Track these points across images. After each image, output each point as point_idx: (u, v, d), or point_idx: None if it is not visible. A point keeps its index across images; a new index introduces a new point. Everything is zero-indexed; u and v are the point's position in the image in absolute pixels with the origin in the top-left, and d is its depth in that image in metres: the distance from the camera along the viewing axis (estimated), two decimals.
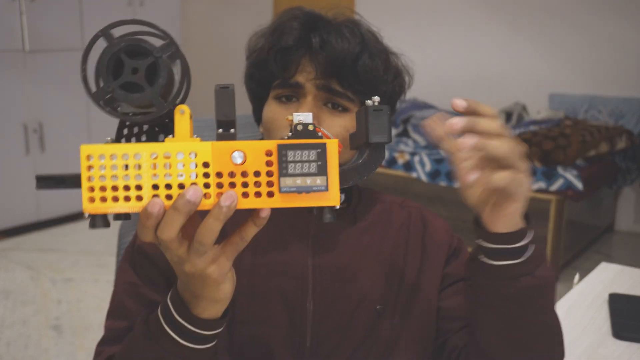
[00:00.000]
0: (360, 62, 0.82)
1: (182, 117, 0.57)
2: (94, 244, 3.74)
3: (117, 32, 0.56)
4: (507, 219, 0.69)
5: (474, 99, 0.65)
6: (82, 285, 3.16)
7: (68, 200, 4.08)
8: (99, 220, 0.56)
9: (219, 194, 0.55)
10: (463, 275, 0.88)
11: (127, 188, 0.55)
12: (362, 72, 0.82)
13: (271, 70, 0.84)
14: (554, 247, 3.25)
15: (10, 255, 3.54)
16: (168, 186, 0.55)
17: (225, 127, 0.58)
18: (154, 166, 0.55)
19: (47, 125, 3.95)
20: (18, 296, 3.02)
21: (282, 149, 0.56)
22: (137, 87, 0.55)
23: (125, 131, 0.61)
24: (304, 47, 0.82)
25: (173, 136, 0.58)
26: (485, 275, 0.73)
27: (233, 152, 0.56)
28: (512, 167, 0.65)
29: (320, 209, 0.60)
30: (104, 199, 0.55)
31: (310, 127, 0.59)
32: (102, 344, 0.84)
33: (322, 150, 0.57)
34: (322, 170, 0.57)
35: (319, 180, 0.56)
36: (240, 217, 0.62)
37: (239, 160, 0.56)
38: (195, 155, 0.56)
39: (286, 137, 0.59)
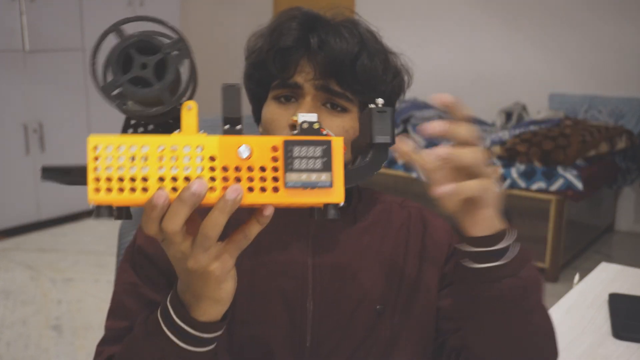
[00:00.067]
0: (358, 62, 0.82)
1: (190, 112, 0.58)
2: (94, 244, 3.74)
3: (120, 30, 0.57)
4: (482, 224, 0.69)
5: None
6: (82, 285, 3.16)
7: (68, 200, 4.08)
8: (104, 211, 0.56)
9: (225, 188, 0.56)
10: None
11: (133, 179, 0.55)
12: (361, 72, 0.82)
13: (270, 70, 0.84)
14: (554, 247, 3.25)
15: (10, 255, 3.54)
16: (174, 179, 0.56)
17: (232, 124, 0.59)
18: (161, 158, 0.55)
19: (47, 125, 3.95)
20: (18, 296, 3.02)
21: (288, 145, 0.57)
22: (146, 83, 0.56)
23: (130, 131, 0.62)
24: (303, 48, 0.82)
25: (180, 131, 0.58)
26: (469, 278, 0.73)
27: (239, 147, 0.56)
28: (479, 175, 0.65)
29: (321, 211, 0.61)
30: (109, 190, 0.55)
31: (316, 126, 0.60)
32: (102, 343, 0.84)
33: (327, 147, 0.58)
34: (327, 167, 0.57)
35: (324, 177, 0.57)
36: (242, 218, 0.62)
37: (245, 155, 0.56)
38: (202, 149, 0.56)
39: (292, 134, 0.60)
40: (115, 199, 0.55)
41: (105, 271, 3.30)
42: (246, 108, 0.92)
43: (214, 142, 0.56)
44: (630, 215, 4.09)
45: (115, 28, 0.57)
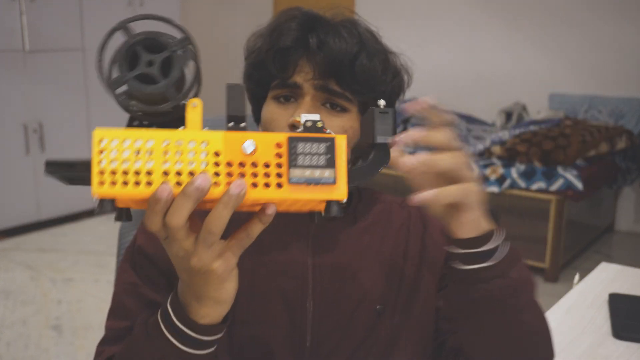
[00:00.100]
0: (358, 62, 0.82)
1: (195, 110, 0.58)
2: (94, 244, 3.74)
3: (128, 28, 0.58)
4: (468, 226, 0.69)
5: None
6: (82, 285, 3.16)
7: (68, 200, 4.08)
8: (107, 205, 0.56)
9: (229, 183, 0.56)
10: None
11: (137, 173, 0.55)
12: (360, 72, 0.82)
13: (269, 70, 0.84)
14: (554, 247, 3.25)
15: (10, 255, 3.54)
16: (178, 173, 0.56)
17: (236, 121, 0.59)
18: (165, 153, 0.56)
19: (47, 125, 3.95)
20: (18, 296, 3.02)
21: (292, 141, 0.57)
22: (151, 80, 0.57)
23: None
24: (302, 48, 0.82)
25: (184, 128, 0.59)
26: (459, 280, 0.73)
27: (244, 142, 0.57)
28: (460, 179, 0.66)
29: (321, 215, 0.61)
30: (113, 183, 0.55)
31: (319, 125, 0.61)
32: (102, 344, 0.84)
33: (331, 144, 0.58)
34: (331, 164, 0.58)
35: (327, 173, 0.58)
36: (242, 218, 0.62)
37: (249, 150, 0.57)
38: (207, 144, 0.56)
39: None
40: (119, 192, 0.55)
41: (105, 271, 3.30)
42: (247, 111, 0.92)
43: (218, 138, 0.57)
44: (630, 215, 4.10)
45: (123, 25, 0.57)
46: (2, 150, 3.78)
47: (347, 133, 0.81)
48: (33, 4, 3.79)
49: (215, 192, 0.56)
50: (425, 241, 0.92)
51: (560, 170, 3.21)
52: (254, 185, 0.57)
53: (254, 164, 0.57)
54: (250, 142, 0.57)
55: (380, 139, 0.65)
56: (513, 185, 3.29)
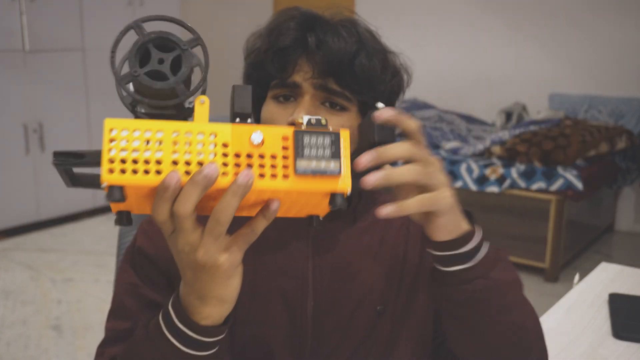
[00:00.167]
0: (357, 61, 0.81)
1: (202, 106, 0.60)
2: (94, 244, 3.74)
3: (141, 27, 0.61)
4: (443, 229, 0.70)
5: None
6: (82, 285, 3.16)
7: (68, 200, 4.08)
8: (116, 192, 0.56)
9: (237, 174, 0.57)
10: None
11: (147, 162, 0.56)
12: (359, 71, 0.82)
13: (268, 70, 0.83)
14: (554, 247, 3.25)
15: (10, 255, 3.54)
16: (187, 163, 0.57)
17: (242, 118, 0.61)
18: (175, 144, 0.57)
19: (47, 125, 3.95)
20: (18, 296, 3.02)
21: (298, 134, 0.59)
22: (162, 77, 0.59)
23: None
24: (301, 47, 0.82)
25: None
26: (441, 282, 0.74)
27: (253, 133, 0.58)
28: (428, 188, 0.66)
29: (320, 219, 0.63)
30: (123, 171, 0.56)
31: (323, 122, 0.62)
32: (103, 345, 0.84)
33: (335, 138, 0.60)
34: (336, 156, 0.60)
35: (332, 164, 0.59)
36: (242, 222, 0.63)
37: (258, 140, 0.58)
38: (215, 136, 0.58)
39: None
40: (129, 180, 0.56)
41: (105, 271, 3.30)
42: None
43: (226, 130, 0.58)
44: (630, 215, 4.10)
45: (136, 24, 0.60)
46: (2, 150, 3.78)
47: None
48: (33, 4, 3.79)
49: (224, 182, 0.57)
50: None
51: (560, 170, 3.21)
52: (261, 175, 0.58)
53: (261, 156, 0.58)
54: (258, 133, 0.58)
55: (380, 139, 0.66)
56: (513, 185, 3.29)
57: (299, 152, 0.59)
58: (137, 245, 0.88)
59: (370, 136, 0.66)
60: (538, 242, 3.27)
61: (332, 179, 0.60)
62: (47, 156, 3.94)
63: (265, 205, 0.61)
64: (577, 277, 1.45)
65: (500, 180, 3.30)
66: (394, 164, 0.67)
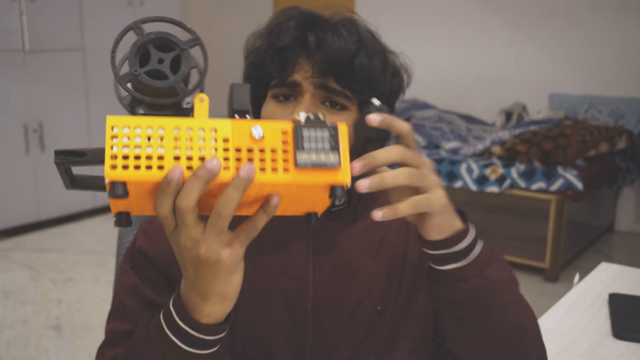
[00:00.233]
0: (357, 61, 0.82)
1: (202, 104, 0.61)
2: (94, 244, 3.74)
3: (140, 28, 0.62)
4: (438, 229, 0.71)
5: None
6: (82, 285, 3.16)
7: (68, 200, 4.08)
8: (119, 188, 0.56)
9: (238, 168, 0.58)
10: None
11: (149, 158, 0.57)
12: (359, 71, 0.82)
13: (268, 70, 0.83)
14: (554, 247, 3.25)
15: (10, 255, 3.54)
16: (189, 158, 0.58)
17: (240, 114, 0.62)
18: (176, 139, 0.58)
19: (47, 125, 3.95)
20: (18, 296, 3.02)
21: (297, 128, 0.61)
22: (162, 76, 0.60)
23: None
24: (301, 47, 0.82)
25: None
26: (438, 282, 0.74)
27: (253, 127, 0.59)
28: (420, 190, 0.67)
29: (317, 217, 0.64)
30: (125, 167, 0.56)
31: (321, 117, 0.63)
32: (103, 346, 0.84)
33: (334, 131, 0.61)
34: (335, 148, 0.61)
35: (332, 157, 0.60)
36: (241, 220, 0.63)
37: (259, 133, 0.59)
38: (216, 132, 0.59)
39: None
40: (131, 175, 0.56)
41: (105, 271, 3.30)
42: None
43: (227, 125, 0.59)
44: (630, 215, 4.10)
45: (136, 25, 0.61)
46: (2, 150, 3.78)
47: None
48: (33, 4, 3.79)
49: (225, 176, 0.58)
50: None
51: (560, 170, 3.21)
52: (262, 169, 0.59)
53: (262, 150, 0.59)
54: (258, 128, 0.59)
55: (377, 135, 0.67)
56: (513, 185, 3.29)
57: (298, 145, 0.60)
58: (137, 245, 0.88)
59: (367, 132, 0.67)
60: (538, 242, 3.27)
61: (332, 172, 0.60)
62: (47, 156, 3.94)
63: (266, 201, 0.62)
64: (577, 277, 1.45)
65: (500, 180, 3.30)
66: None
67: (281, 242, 0.87)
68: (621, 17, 3.95)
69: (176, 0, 4.68)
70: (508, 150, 3.35)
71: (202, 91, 0.62)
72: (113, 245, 1.27)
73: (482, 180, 3.34)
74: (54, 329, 2.71)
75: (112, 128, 0.57)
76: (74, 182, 0.63)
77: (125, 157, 0.56)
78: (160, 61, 0.60)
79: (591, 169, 3.33)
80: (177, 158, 0.57)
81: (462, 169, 3.39)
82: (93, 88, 4.14)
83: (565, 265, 3.43)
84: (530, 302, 0.80)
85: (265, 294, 0.85)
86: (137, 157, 0.57)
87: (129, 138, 0.57)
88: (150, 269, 0.85)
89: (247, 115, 0.62)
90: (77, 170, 0.63)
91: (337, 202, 0.62)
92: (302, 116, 0.62)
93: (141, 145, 0.57)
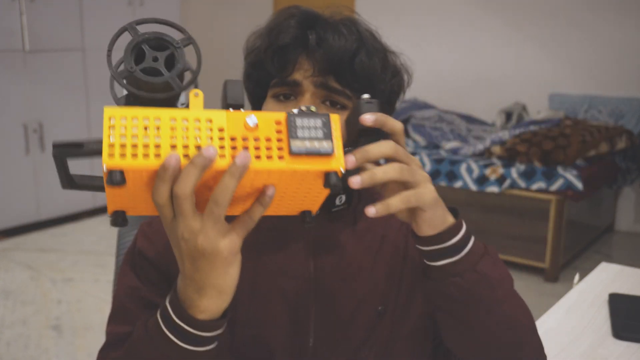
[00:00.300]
0: (357, 60, 0.82)
1: (197, 98, 0.62)
2: (94, 244, 3.74)
3: (135, 28, 0.64)
4: (430, 224, 0.71)
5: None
6: (82, 285, 3.16)
7: (68, 200, 4.08)
8: (117, 176, 0.57)
9: (233, 156, 0.59)
10: None
11: (146, 147, 0.58)
12: (360, 70, 0.82)
13: (269, 69, 0.83)
14: (554, 247, 3.25)
15: (10, 255, 3.54)
16: (185, 147, 0.59)
17: (234, 107, 0.63)
18: (173, 129, 0.59)
19: (47, 125, 3.95)
20: (18, 296, 3.02)
21: (291, 117, 0.62)
22: (156, 73, 0.61)
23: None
24: (301, 46, 0.82)
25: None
26: (432, 278, 0.75)
27: (248, 116, 0.61)
28: (410, 186, 0.68)
29: (312, 214, 0.65)
30: (123, 155, 0.57)
31: (313, 109, 0.65)
32: (104, 349, 0.83)
33: (326, 120, 0.63)
34: (328, 136, 0.62)
35: (325, 144, 0.62)
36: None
37: (253, 122, 0.60)
38: (211, 122, 0.60)
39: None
40: (129, 163, 0.57)
41: (105, 271, 3.30)
42: (245, 108, 0.92)
43: (222, 116, 0.61)
44: (630, 215, 4.10)
45: (130, 26, 0.63)
46: (2, 150, 3.78)
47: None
48: (33, 4, 3.79)
49: (221, 164, 0.59)
50: None
51: (560, 170, 3.21)
52: (257, 157, 0.60)
53: (256, 139, 0.61)
54: (252, 117, 0.61)
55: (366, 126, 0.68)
56: (513, 185, 3.29)
57: (292, 134, 0.61)
58: (137, 247, 0.87)
59: (358, 126, 0.69)
60: (538, 242, 3.27)
61: (325, 159, 0.62)
62: (47, 156, 3.94)
63: (262, 192, 0.63)
64: (577, 277, 1.45)
65: (500, 180, 3.30)
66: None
67: (282, 243, 0.87)
68: (621, 17, 3.95)
69: (176, 0, 4.68)
70: (508, 150, 3.35)
71: (196, 87, 0.63)
72: (113, 245, 1.27)
73: (482, 180, 3.34)
74: (54, 329, 2.71)
75: (110, 119, 0.58)
76: (70, 182, 0.64)
77: (123, 146, 0.57)
78: (155, 59, 0.62)
79: (591, 169, 3.33)
80: (173, 147, 0.59)
81: (462, 169, 3.39)
82: (93, 88, 4.14)
83: (565, 265, 3.43)
84: (530, 302, 0.80)
85: (266, 294, 0.85)
86: (135, 146, 0.58)
87: (126, 128, 0.58)
88: (150, 271, 0.85)
89: (241, 109, 0.63)
90: (75, 170, 0.63)
91: (332, 191, 0.63)
92: (295, 111, 0.64)
93: (138, 135, 0.58)
